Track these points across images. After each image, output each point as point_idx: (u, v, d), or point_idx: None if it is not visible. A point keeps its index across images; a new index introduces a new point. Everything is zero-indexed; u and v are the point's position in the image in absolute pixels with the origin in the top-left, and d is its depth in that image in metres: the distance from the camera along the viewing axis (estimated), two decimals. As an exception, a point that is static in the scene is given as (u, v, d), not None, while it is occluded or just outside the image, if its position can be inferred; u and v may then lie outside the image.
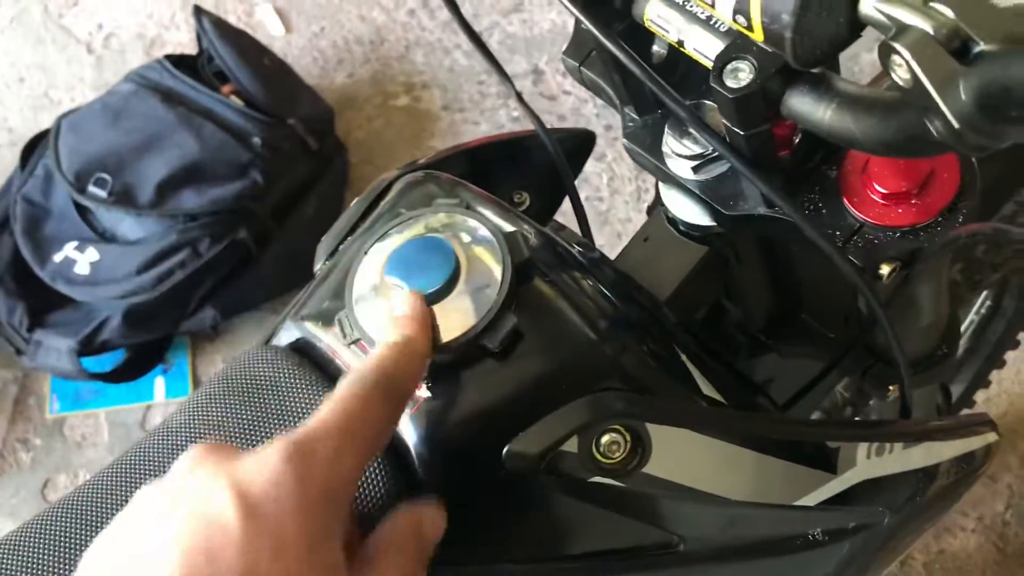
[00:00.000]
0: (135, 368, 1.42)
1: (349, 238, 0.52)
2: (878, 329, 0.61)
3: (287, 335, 0.50)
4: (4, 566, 0.45)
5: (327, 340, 0.48)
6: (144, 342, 1.42)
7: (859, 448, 0.49)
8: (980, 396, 1.13)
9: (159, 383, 1.46)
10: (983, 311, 1.02)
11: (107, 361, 1.43)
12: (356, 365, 0.46)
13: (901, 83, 0.32)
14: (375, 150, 1.65)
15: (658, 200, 0.72)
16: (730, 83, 0.40)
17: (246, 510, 0.33)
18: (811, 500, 0.49)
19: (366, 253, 0.48)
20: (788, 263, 0.61)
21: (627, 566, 0.47)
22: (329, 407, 0.37)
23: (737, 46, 0.40)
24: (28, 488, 1.41)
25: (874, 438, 0.50)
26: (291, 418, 0.46)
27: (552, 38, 1.74)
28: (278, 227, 1.44)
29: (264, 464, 0.34)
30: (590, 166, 1.60)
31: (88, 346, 1.36)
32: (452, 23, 1.77)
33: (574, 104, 1.67)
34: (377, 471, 0.43)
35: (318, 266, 0.54)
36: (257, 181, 1.39)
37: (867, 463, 0.50)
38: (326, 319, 0.48)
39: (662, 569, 0.47)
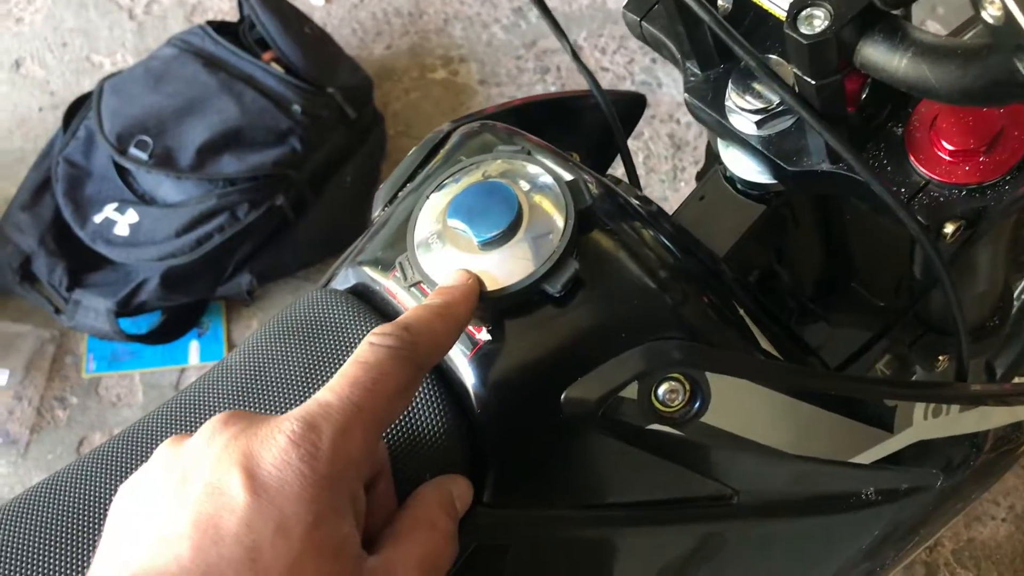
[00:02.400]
0: (171, 330, 1.44)
1: (408, 186, 0.53)
2: (931, 297, 0.61)
3: (344, 280, 0.51)
4: (46, 503, 0.46)
5: (386, 284, 0.48)
6: (180, 305, 1.43)
7: (916, 409, 0.49)
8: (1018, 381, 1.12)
9: (193, 346, 1.47)
10: (1027, 295, 1.00)
11: (143, 323, 1.45)
12: (411, 304, 0.46)
13: (991, 20, 0.31)
14: (412, 122, 1.66)
15: (707, 167, 0.72)
16: (804, 29, 0.40)
17: (253, 489, 0.33)
18: (866, 458, 0.49)
19: (427, 199, 0.48)
20: (843, 228, 0.61)
21: (680, 516, 0.47)
22: (338, 380, 0.37)
23: (813, -8, 0.40)
24: (64, 445, 1.43)
25: (933, 398, 0.50)
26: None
27: (591, 14, 1.73)
28: (315, 195, 1.45)
29: (273, 443, 0.34)
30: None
31: (126, 307, 1.37)
32: (492, -4, 1.77)
33: (611, 80, 1.66)
34: (436, 413, 0.44)
35: (376, 213, 0.54)
36: (296, 148, 1.40)
37: (923, 424, 0.49)
38: (385, 264, 0.48)
39: (714, 521, 0.47)
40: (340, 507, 0.35)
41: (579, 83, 1.68)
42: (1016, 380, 1.10)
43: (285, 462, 0.34)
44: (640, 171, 1.59)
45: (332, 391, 0.36)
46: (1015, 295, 1.01)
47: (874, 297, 0.66)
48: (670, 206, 1.67)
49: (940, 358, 0.64)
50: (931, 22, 1.61)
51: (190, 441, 0.37)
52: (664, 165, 1.60)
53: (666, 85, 1.65)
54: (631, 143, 1.61)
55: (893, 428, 0.49)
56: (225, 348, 1.47)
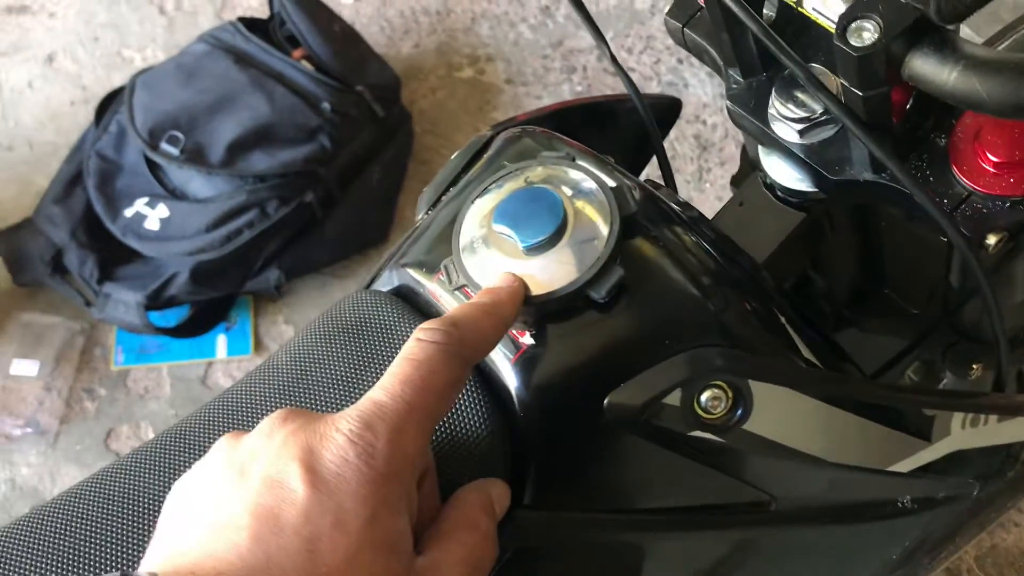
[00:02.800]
0: (199, 324, 1.45)
1: (452, 190, 0.53)
2: (967, 306, 0.61)
3: (388, 281, 0.51)
4: (103, 492, 0.47)
5: (430, 286, 0.49)
6: (209, 299, 1.45)
7: (955, 418, 0.49)
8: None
9: (221, 340, 1.48)
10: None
11: (172, 316, 1.46)
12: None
13: (1048, 39, 0.32)
14: (438, 120, 1.66)
15: (743, 172, 0.72)
16: (854, 41, 0.40)
17: (312, 483, 0.34)
18: (904, 467, 0.49)
19: (472, 203, 0.48)
20: (880, 236, 0.61)
21: (717, 522, 0.47)
22: (389, 378, 0.37)
23: (863, 4, 0.40)
24: (92, 436, 1.45)
25: (972, 408, 0.50)
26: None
27: (618, 14, 1.73)
28: (343, 192, 1.46)
29: (331, 440, 0.35)
30: (653, 144, 1.59)
31: (155, 301, 1.39)
32: (520, -4, 1.77)
33: (638, 80, 1.66)
34: (479, 415, 0.44)
35: (419, 216, 0.54)
36: (325, 145, 1.41)
37: (961, 433, 0.50)
38: (429, 267, 0.49)
39: (752, 528, 0.48)
40: (396, 504, 0.35)
41: (606, 83, 1.68)
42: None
43: (343, 459, 0.35)
44: (666, 172, 1.59)
45: (385, 390, 0.37)
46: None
47: (908, 305, 0.66)
48: (696, 206, 1.66)
49: (974, 366, 0.64)
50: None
51: (248, 436, 0.37)
52: (690, 166, 1.60)
53: (692, 86, 1.65)
54: (658, 144, 1.61)
55: (931, 437, 0.49)
56: (252, 342, 1.48)
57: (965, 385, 0.68)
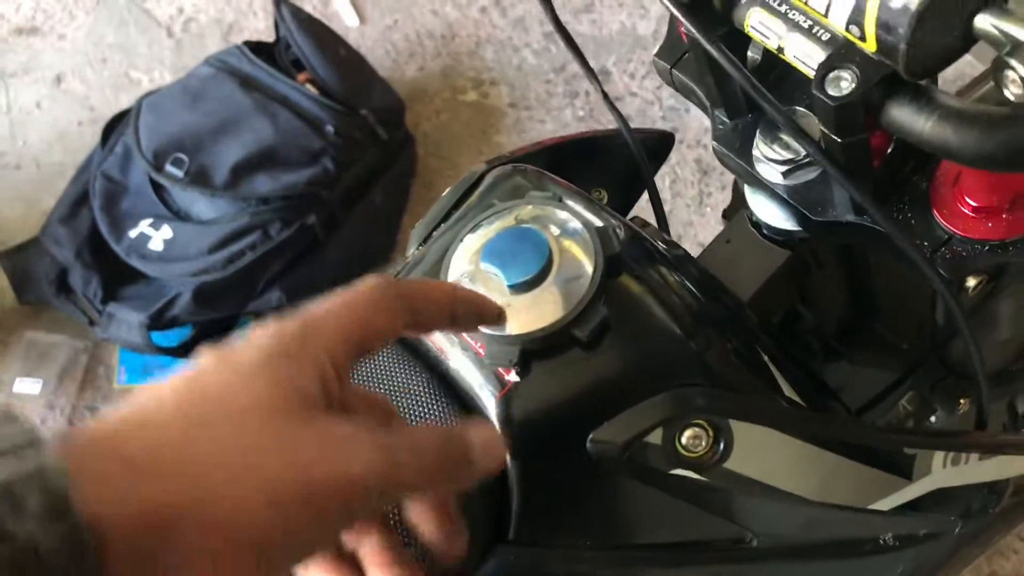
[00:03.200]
0: (201, 345, 1.46)
1: (442, 225, 0.54)
2: (954, 341, 0.61)
3: (378, 316, 0.52)
4: None
5: (419, 323, 0.49)
6: (211, 320, 1.46)
7: (936, 456, 0.50)
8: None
9: (223, 360, 1.49)
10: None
11: (174, 337, 1.47)
12: (446, 347, 0.48)
13: (1013, 98, 0.32)
14: (442, 143, 1.68)
15: (735, 205, 0.73)
16: (832, 91, 0.41)
17: (218, 354, 0.35)
18: (885, 505, 0.49)
19: (461, 241, 0.50)
20: (866, 272, 0.62)
21: (698, 558, 0.48)
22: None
23: (840, 55, 0.41)
24: (94, 455, 1.46)
25: (952, 447, 0.51)
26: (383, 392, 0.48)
27: (621, 39, 1.75)
28: (345, 215, 1.47)
29: (246, 333, 0.36)
30: (654, 168, 1.60)
31: (158, 321, 1.40)
32: (523, 21, 1.79)
33: (640, 106, 1.68)
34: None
35: (411, 251, 0.55)
36: (328, 169, 1.42)
37: (942, 472, 0.50)
38: (418, 302, 0.50)
39: (731, 564, 0.48)
40: (300, 363, 0.35)
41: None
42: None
43: (251, 338, 0.35)
44: (666, 195, 1.60)
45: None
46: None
47: (897, 339, 0.67)
48: (695, 231, 1.67)
49: (961, 401, 0.64)
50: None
51: None
52: (690, 190, 1.61)
53: (694, 111, 1.66)
54: (658, 168, 1.63)
55: (912, 476, 0.50)
56: (253, 363, 1.49)
57: (954, 420, 0.69)
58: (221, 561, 0.30)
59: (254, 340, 0.35)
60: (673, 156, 1.63)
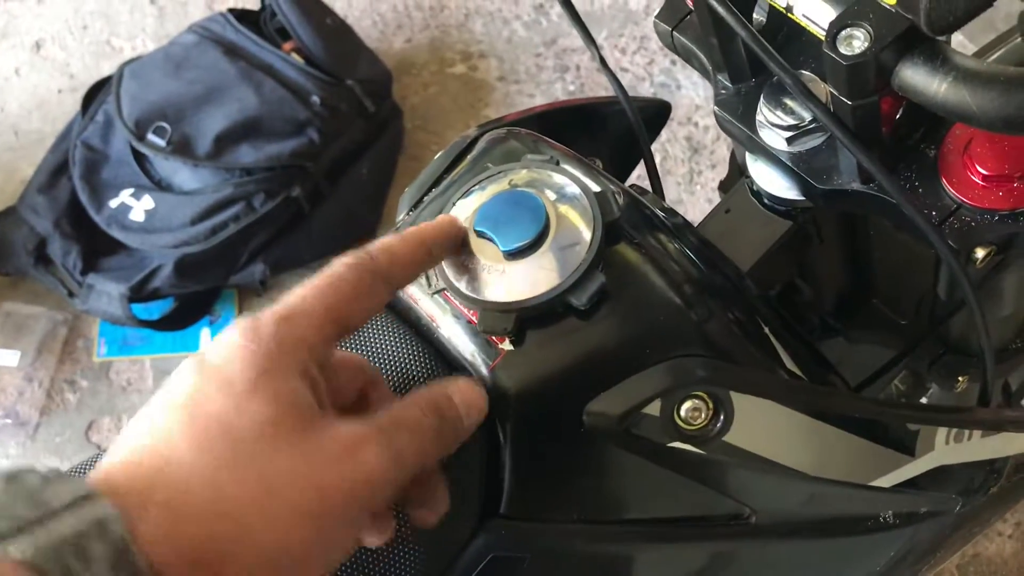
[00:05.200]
0: (183, 317, 1.44)
1: (433, 191, 0.52)
2: (954, 318, 0.60)
3: (367, 283, 0.50)
4: None
5: (409, 290, 0.48)
6: (193, 292, 1.43)
7: (939, 433, 0.49)
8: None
9: (205, 334, 1.47)
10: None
11: (155, 309, 1.45)
12: (437, 315, 0.46)
13: (1039, 52, 0.31)
14: (429, 116, 1.65)
15: (732, 177, 0.71)
16: (844, 50, 0.39)
17: (199, 367, 0.36)
18: (886, 482, 0.48)
19: (453, 206, 0.48)
20: (867, 246, 0.61)
21: (696, 534, 0.46)
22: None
23: (853, 12, 0.39)
24: (73, 428, 1.43)
25: (956, 423, 0.49)
26: (373, 363, 0.46)
27: (612, 14, 1.72)
28: (331, 187, 1.45)
29: (220, 337, 0.37)
30: (644, 145, 1.59)
31: (139, 293, 1.37)
32: (514, -7, 1.76)
33: (631, 81, 1.66)
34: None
35: (400, 217, 0.54)
36: (313, 140, 1.40)
37: (944, 449, 0.49)
38: (408, 269, 0.48)
39: (732, 540, 0.47)
40: (286, 371, 0.36)
41: (599, 82, 1.67)
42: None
43: (227, 342, 0.36)
44: (657, 173, 1.58)
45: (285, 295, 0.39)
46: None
47: (895, 315, 0.66)
48: (685, 208, 1.65)
49: (960, 379, 0.63)
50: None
51: None
52: (681, 168, 1.59)
53: (685, 87, 1.64)
54: (649, 145, 1.61)
55: (914, 452, 0.48)
56: (236, 337, 1.47)
57: (950, 398, 0.68)
58: None
59: (235, 351, 0.36)
60: (664, 133, 1.62)
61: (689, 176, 1.59)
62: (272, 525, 0.33)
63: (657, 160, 1.58)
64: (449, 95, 1.67)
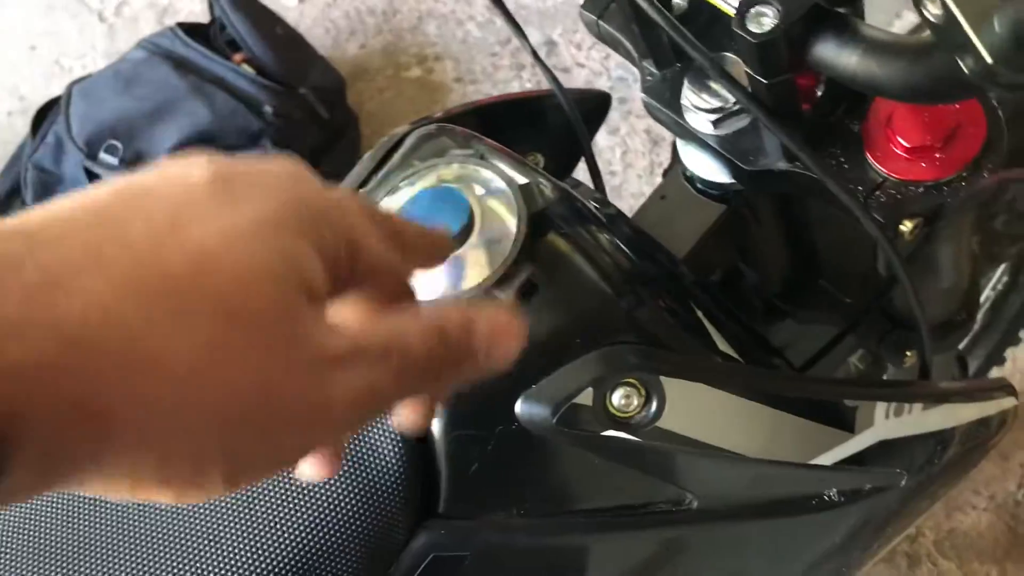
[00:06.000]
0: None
1: (361, 191, 0.52)
2: (897, 293, 0.60)
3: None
4: None
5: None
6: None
7: (878, 408, 0.49)
8: (994, 374, 1.12)
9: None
10: (1000, 286, 1.00)
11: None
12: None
13: (932, 19, 0.31)
14: (386, 121, 1.64)
15: (674, 163, 0.71)
16: (753, 28, 0.39)
17: (212, 174, 0.27)
18: (827, 460, 0.48)
19: (380, 203, 0.47)
20: (806, 225, 0.61)
21: (638, 522, 0.46)
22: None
23: (761, -10, 0.39)
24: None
25: (894, 398, 0.49)
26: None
27: (566, 10, 1.72)
28: (289, 196, 1.43)
29: (255, 160, 0.29)
30: (603, 140, 1.59)
31: (98, 313, 1.36)
32: (466, -6, 1.76)
33: (587, 77, 1.66)
34: (386, 426, 0.43)
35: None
36: (268, 149, 1.39)
37: (885, 423, 0.49)
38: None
39: (674, 526, 0.47)
40: (303, 235, 0.27)
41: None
42: (993, 374, 1.10)
43: (263, 170, 0.28)
44: (617, 167, 1.58)
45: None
46: (990, 287, 1.01)
47: (841, 293, 0.66)
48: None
49: (908, 354, 0.63)
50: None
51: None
52: (641, 161, 1.59)
53: (642, 81, 1.64)
54: (609, 139, 1.61)
55: (854, 428, 0.48)
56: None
57: (902, 373, 0.68)
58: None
59: (260, 167, 0.27)
60: (623, 127, 1.62)
61: (650, 168, 1.59)
62: (188, 412, 0.24)
63: (618, 154, 1.59)
64: (405, 99, 1.67)
